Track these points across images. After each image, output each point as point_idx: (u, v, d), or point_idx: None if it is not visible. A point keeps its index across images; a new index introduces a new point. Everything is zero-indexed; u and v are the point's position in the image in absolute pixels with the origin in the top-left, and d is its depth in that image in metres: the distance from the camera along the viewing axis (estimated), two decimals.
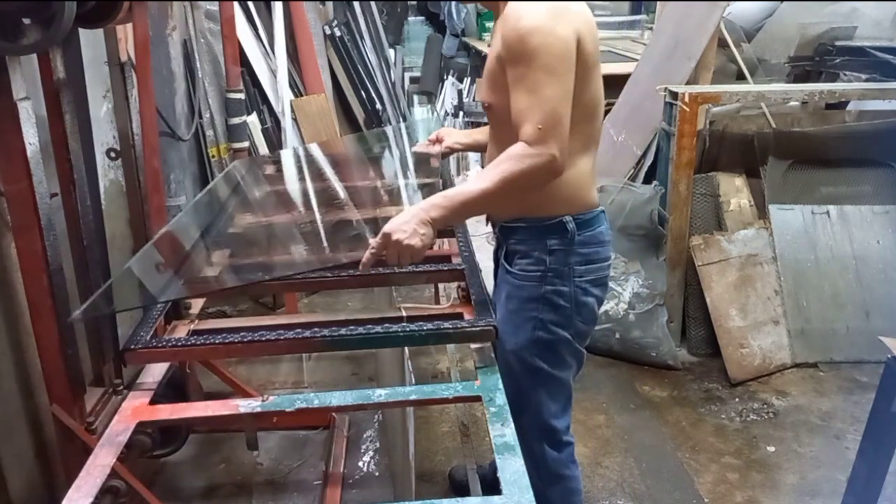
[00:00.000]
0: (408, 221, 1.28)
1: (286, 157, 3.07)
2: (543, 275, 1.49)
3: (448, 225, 1.47)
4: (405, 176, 2.25)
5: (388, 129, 3.37)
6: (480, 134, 1.91)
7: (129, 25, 2.16)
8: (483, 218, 1.64)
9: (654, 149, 3.26)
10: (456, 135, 2.01)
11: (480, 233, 3.31)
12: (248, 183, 2.40)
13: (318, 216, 2.04)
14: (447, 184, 2.40)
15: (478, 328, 1.40)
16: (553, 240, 1.48)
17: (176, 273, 1.63)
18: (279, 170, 2.63)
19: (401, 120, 5.43)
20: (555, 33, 1.26)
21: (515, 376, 1.55)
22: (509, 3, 1.34)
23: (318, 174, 2.51)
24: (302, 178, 2.49)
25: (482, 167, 5.34)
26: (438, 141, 2.01)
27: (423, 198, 1.36)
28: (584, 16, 1.36)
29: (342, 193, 2.14)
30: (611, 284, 2.88)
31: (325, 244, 1.83)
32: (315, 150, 2.99)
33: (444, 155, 2.02)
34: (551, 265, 1.49)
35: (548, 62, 1.26)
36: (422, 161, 2.10)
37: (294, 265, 1.75)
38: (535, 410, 1.59)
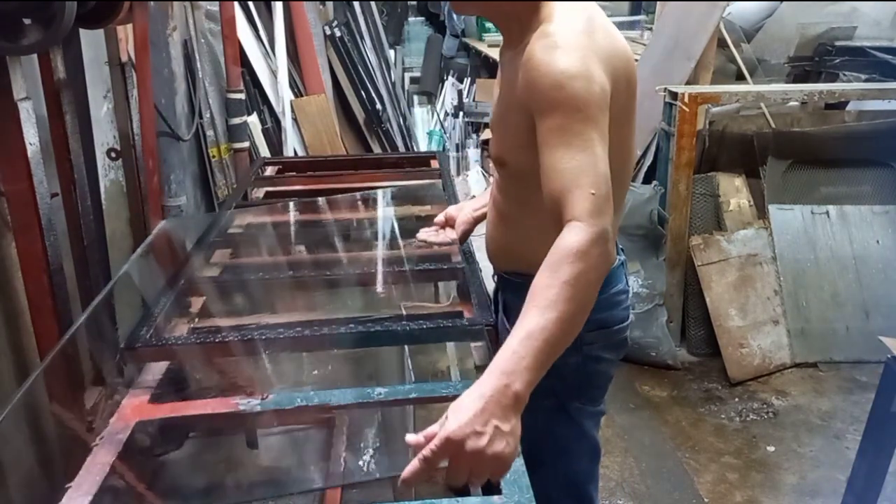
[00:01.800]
0: (479, 415, 0.87)
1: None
2: None
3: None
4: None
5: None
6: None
7: (130, 26, 2.16)
8: (482, 216, 1.52)
9: (653, 149, 3.27)
10: (468, 208, 1.62)
11: (480, 233, 3.30)
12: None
13: None
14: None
15: (477, 326, 1.40)
16: None
17: None
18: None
19: (401, 120, 5.41)
20: (596, 78, 1.03)
21: (528, 433, 1.19)
22: (534, 39, 1.08)
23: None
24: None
25: (482, 168, 5.34)
26: (449, 224, 1.65)
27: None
28: (618, 54, 1.12)
29: None
30: None
31: None
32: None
33: (464, 237, 1.65)
34: None
35: (592, 114, 1.01)
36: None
37: None
38: (554, 464, 1.41)
